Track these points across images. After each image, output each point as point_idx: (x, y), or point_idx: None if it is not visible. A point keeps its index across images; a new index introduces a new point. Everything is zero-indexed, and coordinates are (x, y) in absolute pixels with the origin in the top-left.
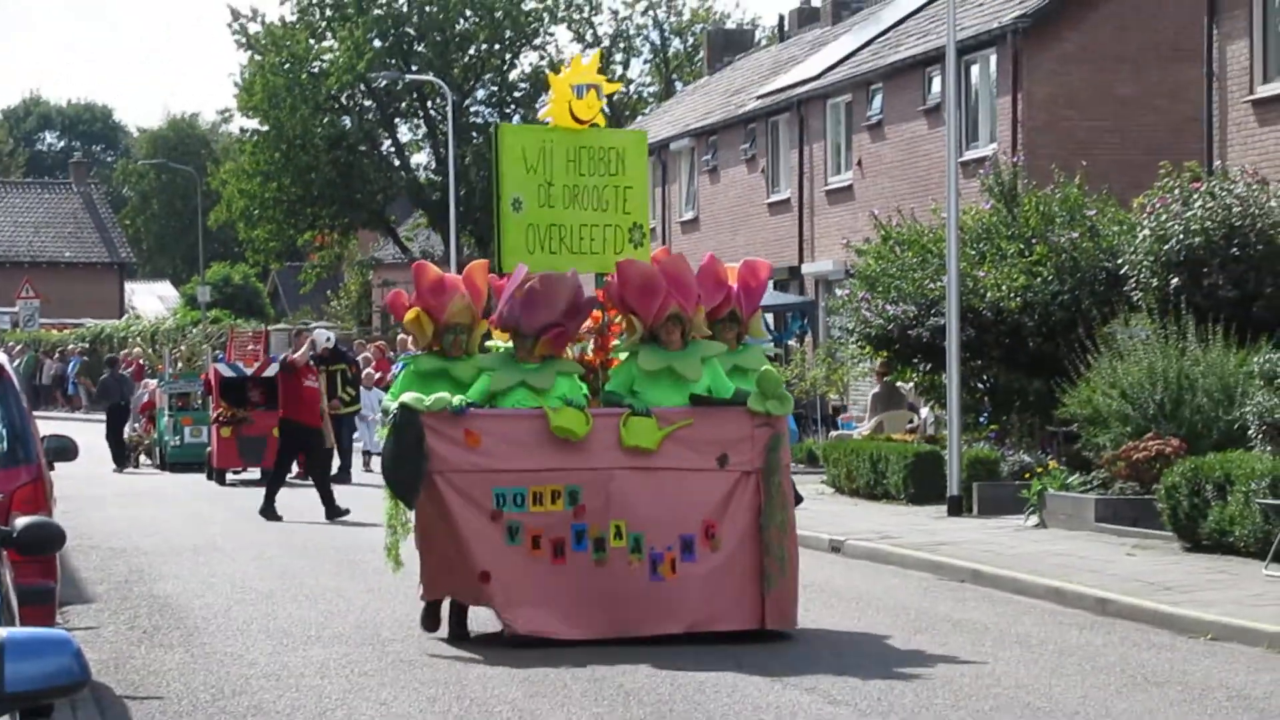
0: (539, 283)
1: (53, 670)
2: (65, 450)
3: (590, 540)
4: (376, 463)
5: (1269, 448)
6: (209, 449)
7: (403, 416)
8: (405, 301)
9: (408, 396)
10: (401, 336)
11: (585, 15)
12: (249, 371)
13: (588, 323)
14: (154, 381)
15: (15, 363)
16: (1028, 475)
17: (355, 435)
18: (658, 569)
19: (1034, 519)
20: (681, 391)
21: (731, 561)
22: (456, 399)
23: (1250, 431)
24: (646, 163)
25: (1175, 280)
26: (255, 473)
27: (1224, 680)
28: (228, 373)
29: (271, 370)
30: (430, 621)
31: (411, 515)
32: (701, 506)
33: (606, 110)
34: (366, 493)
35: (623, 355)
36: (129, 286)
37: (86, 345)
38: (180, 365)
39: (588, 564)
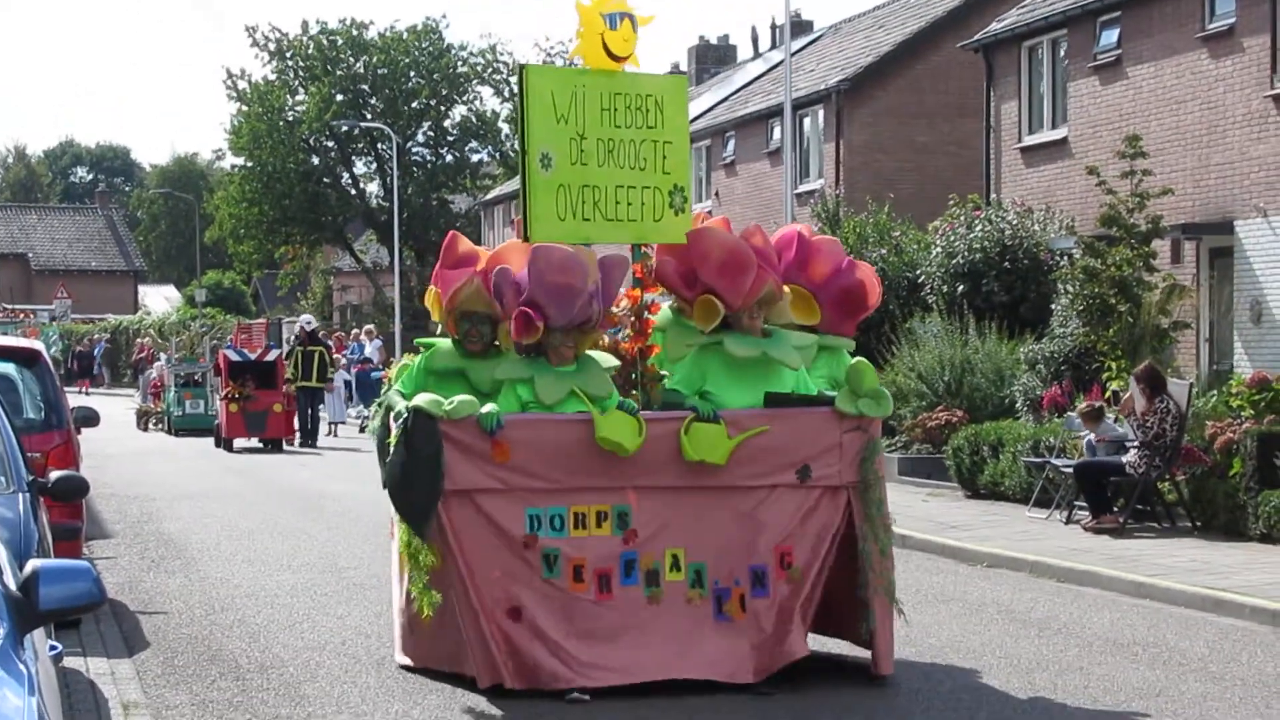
0: (552, 266)
1: (77, 593)
2: (90, 419)
3: (642, 572)
4: (342, 430)
5: (1030, 417)
6: (217, 421)
7: (416, 423)
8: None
9: (423, 399)
10: (355, 330)
11: (503, 76)
12: (253, 356)
13: (624, 302)
14: (160, 363)
15: (52, 349)
16: None
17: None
18: (723, 607)
19: None
20: (758, 390)
21: (808, 592)
22: (488, 408)
23: (1017, 405)
24: (687, 114)
25: (961, 287)
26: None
27: (996, 598)
28: (235, 357)
29: (272, 356)
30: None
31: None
32: (776, 530)
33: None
34: (330, 455)
35: (688, 345)
36: (141, 289)
37: (108, 335)
38: (182, 351)
39: (639, 601)
